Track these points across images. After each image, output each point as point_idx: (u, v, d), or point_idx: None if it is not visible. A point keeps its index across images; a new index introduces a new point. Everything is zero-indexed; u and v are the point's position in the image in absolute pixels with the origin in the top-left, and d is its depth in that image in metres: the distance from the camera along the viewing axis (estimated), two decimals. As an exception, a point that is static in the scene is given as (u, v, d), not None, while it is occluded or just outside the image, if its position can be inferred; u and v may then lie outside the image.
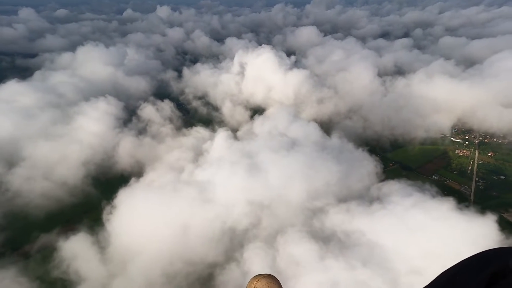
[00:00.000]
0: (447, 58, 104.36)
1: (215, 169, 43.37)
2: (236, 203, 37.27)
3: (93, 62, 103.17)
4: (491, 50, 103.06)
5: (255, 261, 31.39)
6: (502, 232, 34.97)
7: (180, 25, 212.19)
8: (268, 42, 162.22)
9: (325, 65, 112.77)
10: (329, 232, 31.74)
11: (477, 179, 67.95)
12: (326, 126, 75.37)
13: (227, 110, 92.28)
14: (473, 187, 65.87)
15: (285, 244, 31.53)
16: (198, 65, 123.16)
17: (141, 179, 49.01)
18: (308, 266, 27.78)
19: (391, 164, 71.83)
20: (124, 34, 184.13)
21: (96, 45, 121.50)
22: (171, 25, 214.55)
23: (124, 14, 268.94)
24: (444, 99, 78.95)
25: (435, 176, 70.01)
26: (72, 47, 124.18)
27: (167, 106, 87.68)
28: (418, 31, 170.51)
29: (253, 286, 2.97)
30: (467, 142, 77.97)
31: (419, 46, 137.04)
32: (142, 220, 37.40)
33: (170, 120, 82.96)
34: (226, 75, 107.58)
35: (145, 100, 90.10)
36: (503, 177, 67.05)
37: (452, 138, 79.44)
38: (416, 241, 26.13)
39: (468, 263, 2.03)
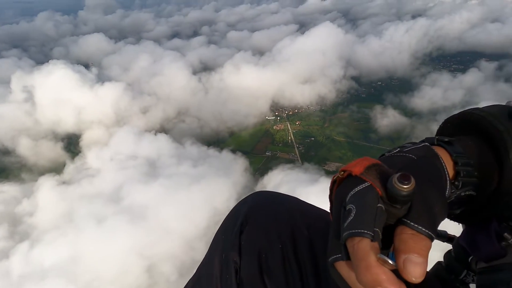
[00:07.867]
0: (241, 50, 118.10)
1: (64, 239, 30.47)
2: (129, 268, 27.74)
3: None
4: (270, 39, 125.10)
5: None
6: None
7: None
8: (47, 56, 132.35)
9: (133, 72, 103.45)
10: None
11: (297, 145, 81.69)
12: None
13: (26, 149, 69.35)
14: (297, 153, 78.98)
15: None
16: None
17: None
18: None
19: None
20: None
21: None
22: None
23: None
24: (256, 85, 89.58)
25: (267, 153, 79.18)
26: None
27: None
28: (205, 29, 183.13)
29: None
30: (279, 118, 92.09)
31: (212, 42, 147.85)
32: None
33: None
34: (5, 106, 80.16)
35: None
36: (312, 139, 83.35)
37: (267, 117, 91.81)
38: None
39: (227, 219, 2.03)
